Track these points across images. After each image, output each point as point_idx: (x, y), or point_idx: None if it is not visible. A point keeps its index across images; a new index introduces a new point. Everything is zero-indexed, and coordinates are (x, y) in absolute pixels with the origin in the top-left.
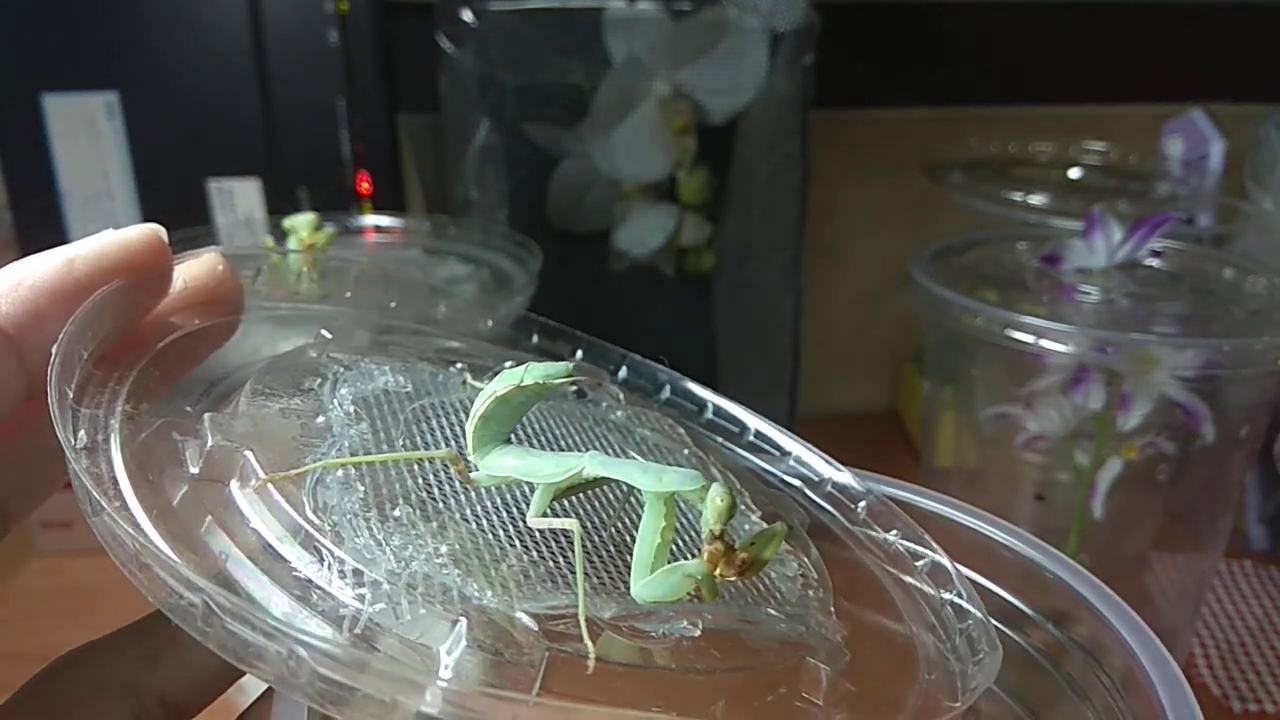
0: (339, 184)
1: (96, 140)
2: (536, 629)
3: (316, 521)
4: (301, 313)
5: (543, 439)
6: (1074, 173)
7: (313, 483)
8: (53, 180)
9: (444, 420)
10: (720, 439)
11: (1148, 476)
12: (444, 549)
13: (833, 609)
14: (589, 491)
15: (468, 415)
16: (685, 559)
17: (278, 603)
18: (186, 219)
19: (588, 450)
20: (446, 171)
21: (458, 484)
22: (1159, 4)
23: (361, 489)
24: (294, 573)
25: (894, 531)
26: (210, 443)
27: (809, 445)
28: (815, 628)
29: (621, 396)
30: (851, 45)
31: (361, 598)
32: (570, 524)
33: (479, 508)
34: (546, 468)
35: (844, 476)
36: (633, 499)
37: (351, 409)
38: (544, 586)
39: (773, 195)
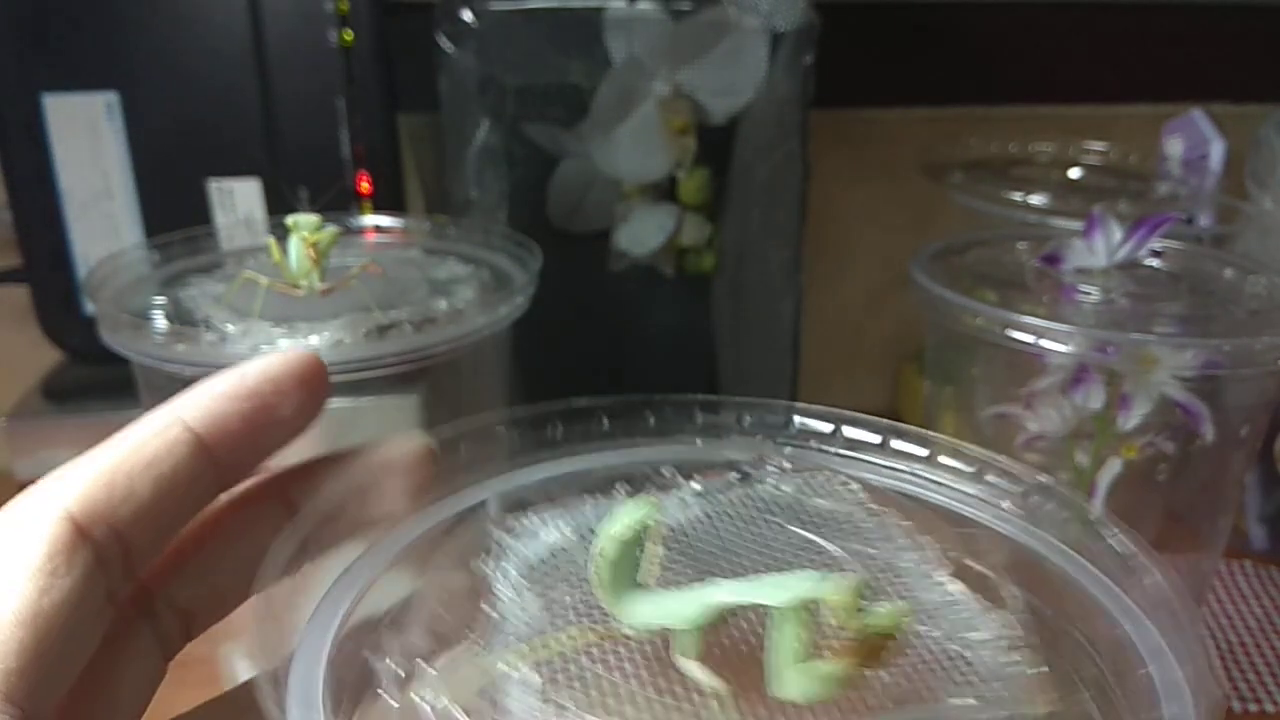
0: (339, 184)
1: (96, 140)
2: None
3: None
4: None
5: (702, 546)
6: (1074, 173)
7: (497, 687)
8: (53, 180)
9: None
10: (877, 459)
11: (1148, 476)
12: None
13: (1043, 668)
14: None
15: (593, 557)
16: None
17: None
18: (186, 219)
19: (738, 558)
20: (446, 171)
21: (623, 646)
22: (1159, 4)
23: (537, 681)
24: None
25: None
26: (394, 664)
27: (992, 455)
28: (1018, 706)
29: (787, 465)
30: (851, 45)
31: None
32: (719, 686)
33: (643, 669)
34: (685, 610)
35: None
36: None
37: (516, 585)
38: None
39: (773, 195)
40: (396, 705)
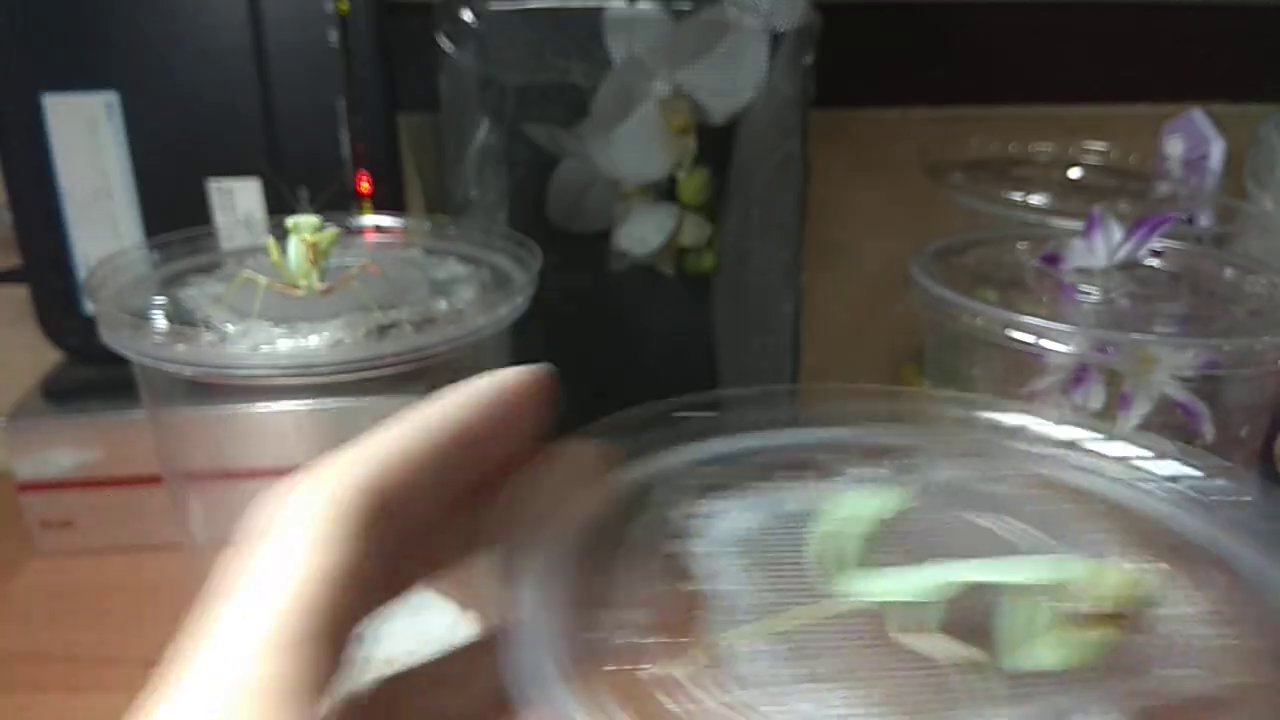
0: (339, 184)
1: (96, 140)
2: None
3: (760, 701)
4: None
5: (913, 539)
6: (1074, 173)
7: (729, 657)
8: (53, 180)
9: (789, 549)
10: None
11: None
12: (859, 692)
13: (1238, 640)
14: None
15: (819, 537)
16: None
17: None
18: (186, 219)
19: (951, 546)
20: (446, 171)
21: (840, 622)
22: (1159, 4)
23: (766, 649)
24: None
25: None
26: (612, 634)
27: (1162, 440)
28: (1225, 677)
29: (950, 452)
30: (851, 45)
31: None
32: (977, 654)
33: (861, 641)
34: (914, 586)
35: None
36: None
37: (720, 564)
38: (944, 708)
39: (773, 195)
40: (643, 678)
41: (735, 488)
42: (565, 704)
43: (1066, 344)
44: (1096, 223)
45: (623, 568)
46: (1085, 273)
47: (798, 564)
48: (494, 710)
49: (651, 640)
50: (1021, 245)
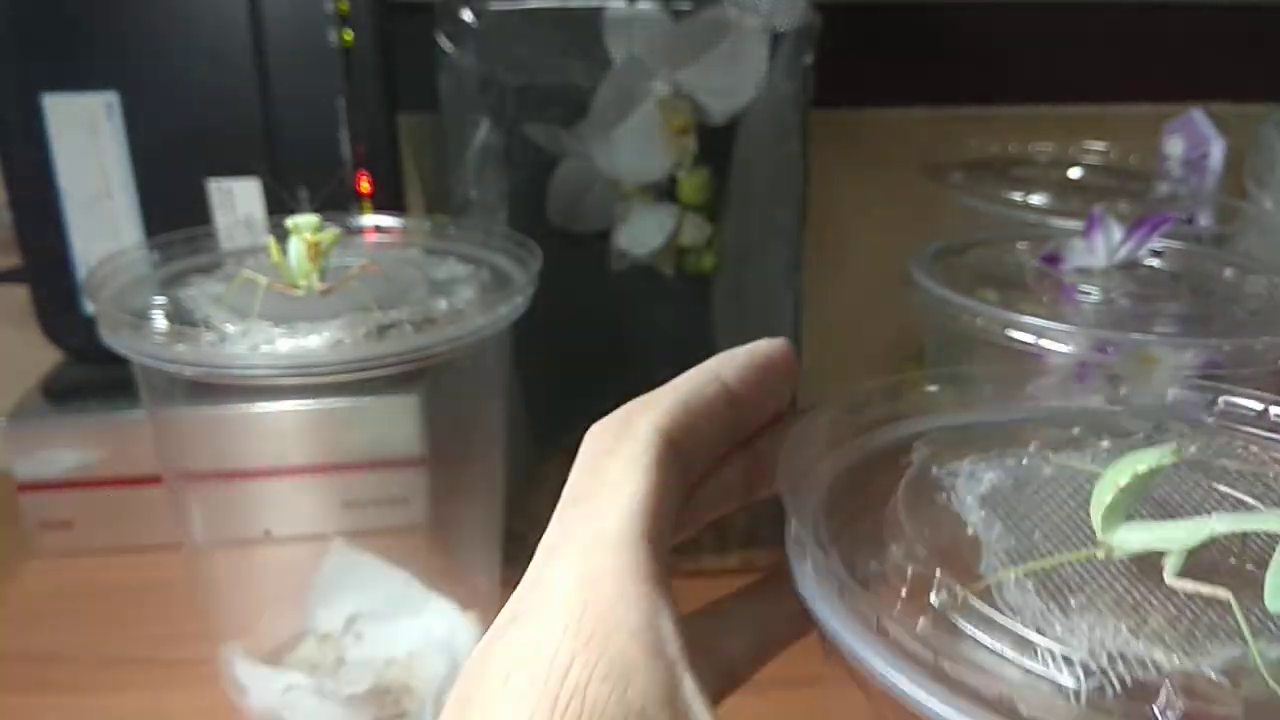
0: (339, 184)
1: (96, 140)
2: (1226, 682)
3: (1016, 623)
4: None
5: (1153, 503)
6: (1074, 173)
7: (995, 590)
8: (53, 180)
9: (1057, 505)
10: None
11: None
12: (1123, 625)
13: None
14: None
15: (1072, 495)
16: None
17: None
18: (186, 219)
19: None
20: (446, 171)
21: (1108, 565)
22: (1159, 4)
23: (1032, 584)
24: (1024, 668)
25: None
26: (898, 563)
27: None
28: None
29: (1184, 429)
30: (851, 45)
31: (1076, 678)
32: (1222, 592)
33: (1128, 583)
34: (1179, 534)
35: None
36: (1250, 539)
37: (982, 514)
38: (1213, 643)
39: (773, 195)
40: (917, 604)
41: (990, 451)
42: (849, 627)
43: (1066, 344)
44: (1096, 223)
45: (895, 512)
46: (1085, 273)
47: (1061, 516)
48: (771, 648)
49: (926, 571)
50: (1021, 245)
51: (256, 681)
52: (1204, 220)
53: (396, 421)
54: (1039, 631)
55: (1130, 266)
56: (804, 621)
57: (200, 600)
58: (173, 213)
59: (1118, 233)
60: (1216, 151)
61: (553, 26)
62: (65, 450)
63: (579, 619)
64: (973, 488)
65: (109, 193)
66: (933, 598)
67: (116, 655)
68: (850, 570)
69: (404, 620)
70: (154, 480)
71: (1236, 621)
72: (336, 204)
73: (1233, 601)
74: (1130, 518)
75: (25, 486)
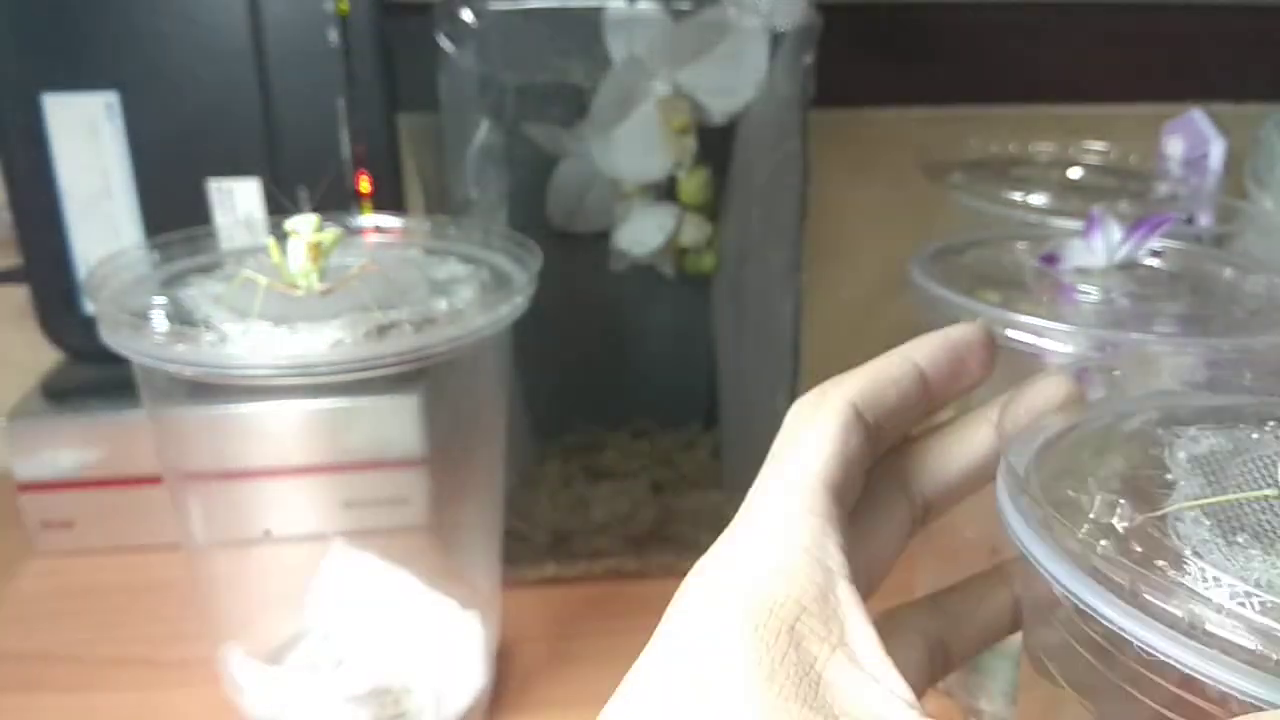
0: (339, 184)
1: (96, 140)
2: None
3: (1180, 545)
4: None
5: None
6: (1074, 173)
7: (1173, 521)
8: (53, 180)
9: (1263, 468)
10: None
11: None
12: (1279, 562)
13: None
14: None
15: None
16: None
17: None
18: (186, 219)
19: None
20: (446, 171)
21: None
22: (1159, 4)
23: (1208, 523)
24: (1175, 581)
25: None
26: (1092, 493)
27: None
28: None
29: None
30: (851, 45)
31: (1220, 597)
32: None
33: None
34: None
35: None
36: None
37: (1188, 466)
38: None
39: (773, 195)
40: (1119, 527)
41: (1223, 423)
42: (1040, 544)
43: (1066, 344)
44: (1096, 222)
45: (1107, 456)
46: (1085, 273)
47: (1264, 477)
48: (978, 640)
49: (1114, 500)
50: (1021, 245)
51: (256, 681)
52: (1204, 220)
53: (396, 421)
54: (1198, 557)
55: (1130, 266)
56: (1013, 618)
57: (200, 600)
58: (173, 213)
59: (1117, 232)
60: (1216, 151)
61: (553, 26)
62: (65, 450)
63: (761, 538)
64: (1190, 447)
65: (109, 193)
66: (1114, 521)
67: (116, 655)
68: (1048, 495)
69: (404, 620)
70: (154, 480)
71: None
72: (336, 204)
73: None
74: None
75: (25, 486)
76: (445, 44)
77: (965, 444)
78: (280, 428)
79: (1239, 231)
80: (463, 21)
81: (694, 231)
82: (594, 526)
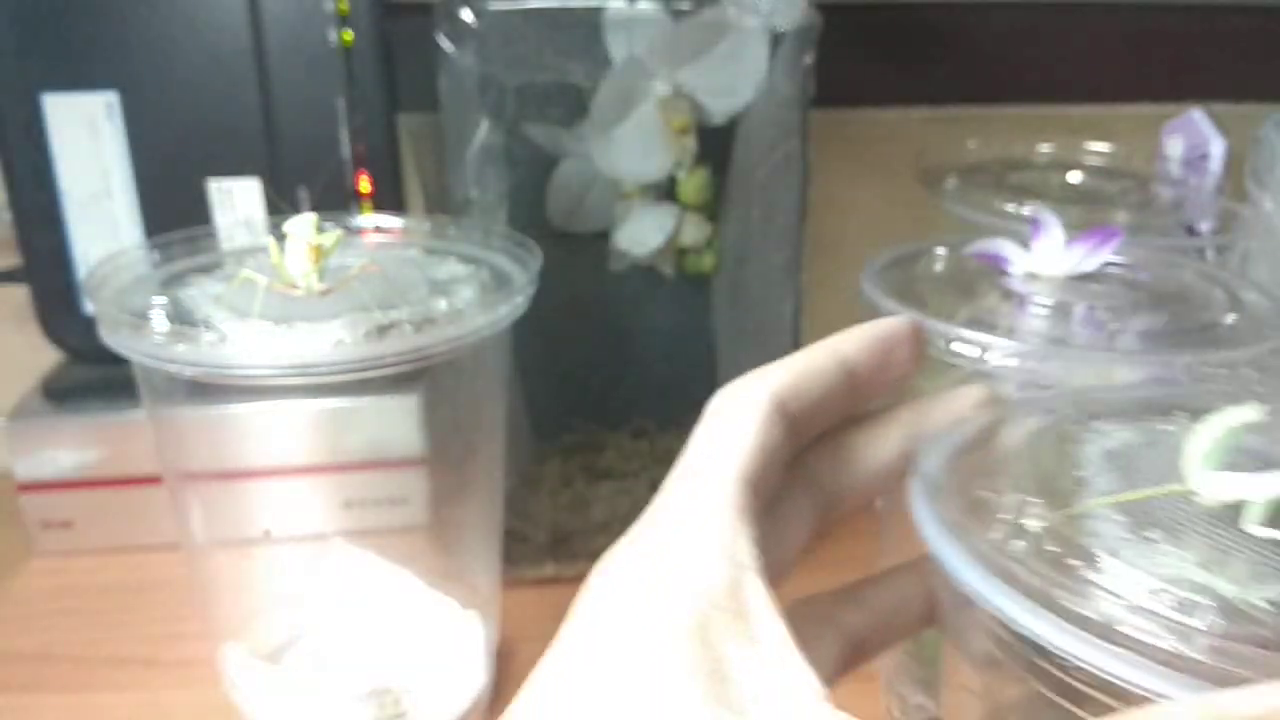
0: (339, 184)
1: (96, 140)
2: (1270, 609)
3: (1092, 544)
4: None
5: (1255, 459)
6: (1074, 176)
7: (1086, 519)
8: (53, 180)
9: (1172, 461)
10: None
11: None
12: (1190, 556)
13: None
14: None
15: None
16: None
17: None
18: (186, 219)
19: None
20: (446, 171)
21: (1191, 509)
22: (1159, 4)
23: (1120, 519)
24: (1087, 579)
25: None
26: (1004, 492)
27: None
28: None
29: None
30: (851, 45)
31: (1133, 594)
32: None
33: (1209, 525)
34: (1260, 485)
35: None
36: None
37: (1100, 462)
38: (1271, 579)
39: (773, 195)
40: (1032, 528)
41: (1135, 415)
42: (950, 542)
43: (1014, 358)
44: (1040, 227)
45: (1018, 453)
46: (1037, 280)
47: (1167, 470)
48: (895, 631)
49: (1027, 499)
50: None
51: (256, 681)
52: (1204, 224)
53: (396, 421)
54: (1111, 555)
55: (1088, 277)
56: (930, 609)
57: (200, 600)
58: (173, 213)
59: (1060, 235)
60: (1216, 151)
61: (553, 26)
62: (65, 450)
63: (672, 531)
64: (1101, 442)
65: (109, 193)
66: (1026, 521)
67: (116, 655)
68: (960, 497)
69: (404, 620)
70: (154, 480)
71: None
72: (336, 204)
73: None
74: (1223, 469)
75: (25, 486)
76: (445, 44)
77: (874, 443)
78: (280, 428)
79: (1238, 232)
80: (463, 21)
81: (694, 231)
82: (594, 526)
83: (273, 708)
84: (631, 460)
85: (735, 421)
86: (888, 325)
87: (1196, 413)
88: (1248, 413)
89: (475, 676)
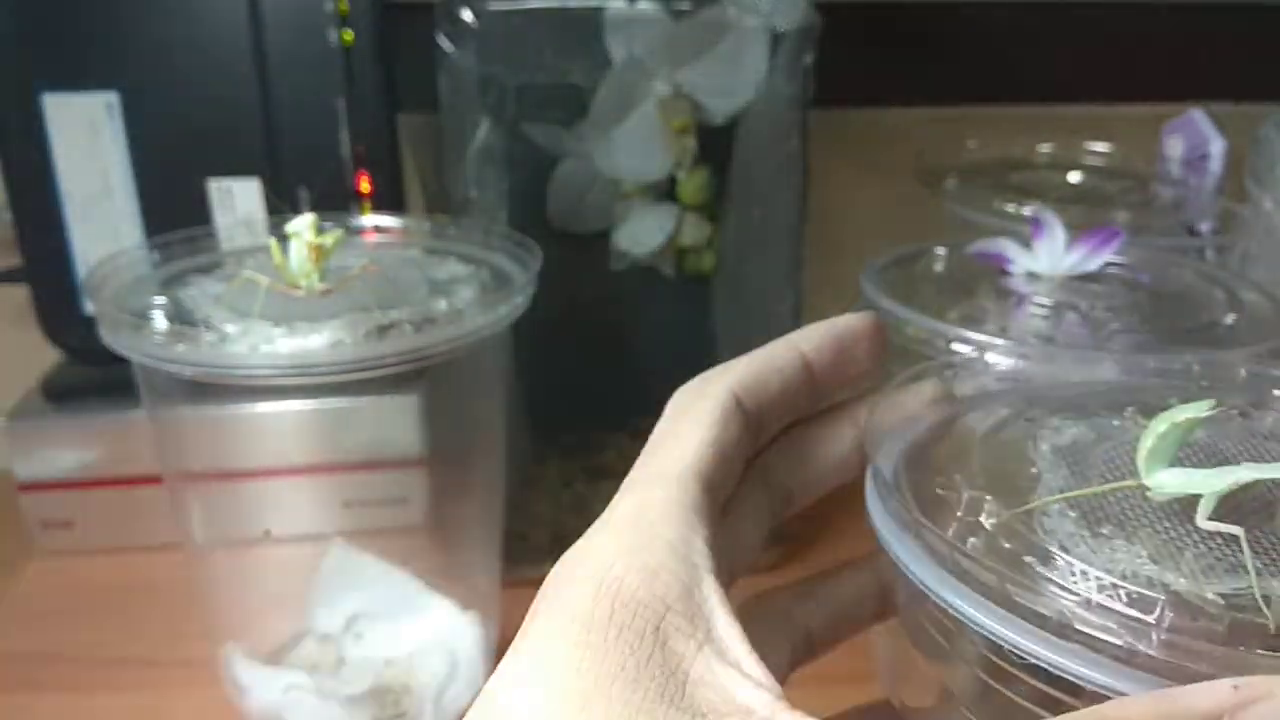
0: (339, 184)
1: (96, 140)
2: (1222, 603)
3: (1046, 540)
4: None
5: (1207, 455)
6: (1074, 176)
7: (1039, 515)
8: (53, 180)
9: (1123, 456)
10: None
11: None
12: (1142, 551)
13: None
14: (1250, 493)
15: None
16: None
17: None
18: (186, 219)
19: (1243, 460)
20: (446, 171)
21: (1143, 504)
22: (1159, 4)
23: (1074, 515)
24: (1042, 576)
25: None
26: (959, 489)
27: None
28: None
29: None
30: (851, 45)
31: (1085, 591)
32: (1235, 529)
33: (1161, 519)
34: (1209, 480)
35: None
36: None
37: (1052, 458)
38: (1225, 576)
39: (773, 195)
40: (987, 524)
41: (1085, 411)
42: (906, 540)
43: (1011, 358)
44: (1042, 227)
45: (971, 450)
46: (1037, 280)
47: (1125, 467)
48: (848, 625)
49: (981, 497)
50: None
51: (256, 681)
52: (1204, 224)
53: (396, 421)
54: (1064, 551)
55: (1087, 277)
56: (883, 604)
57: (200, 600)
58: (173, 213)
59: (1062, 236)
60: (1216, 151)
61: (553, 26)
62: (65, 450)
63: (629, 532)
64: (1053, 438)
65: (109, 193)
66: (981, 518)
67: (116, 655)
68: (916, 495)
69: (404, 620)
70: (154, 480)
71: (1262, 557)
72: (336, 204)
73: (1242, 538)
74: (1174, 465)
75: (25, 486)
76: (445, 44)
77: (827, 440)
78: (280, 428)
79: (1238, 232)
80: (463, 21)
81: (694, 231)
82: None
83: (273, 708)
84: (631, 460)
85: (694, 419)
86: (847, 322)
87: (1148, 408)
88: (1198, 408)
89: (475, 677)
